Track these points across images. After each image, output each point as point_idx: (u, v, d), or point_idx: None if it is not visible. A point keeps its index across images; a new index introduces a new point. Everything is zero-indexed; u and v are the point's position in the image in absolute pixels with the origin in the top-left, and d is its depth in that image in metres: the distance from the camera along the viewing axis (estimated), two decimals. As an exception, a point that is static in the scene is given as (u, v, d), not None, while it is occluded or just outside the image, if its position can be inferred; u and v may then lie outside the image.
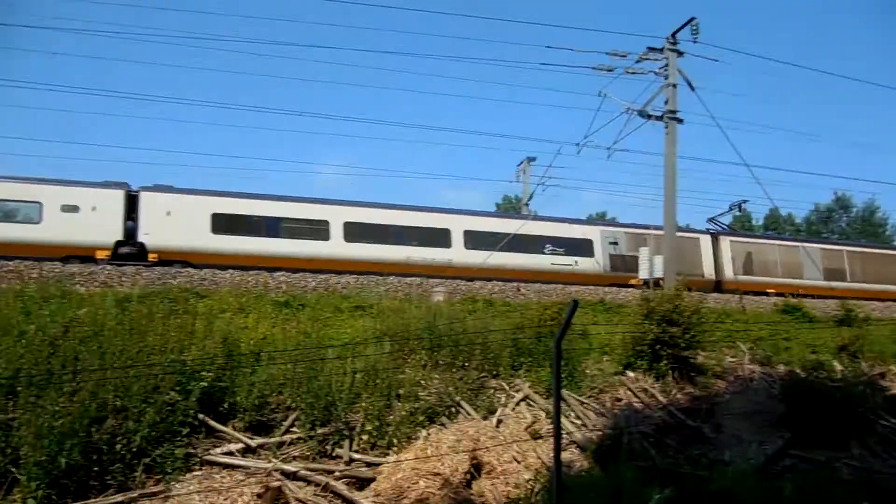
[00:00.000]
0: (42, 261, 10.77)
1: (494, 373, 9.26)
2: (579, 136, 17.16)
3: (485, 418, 8.20)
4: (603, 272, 17.82)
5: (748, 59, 61.27)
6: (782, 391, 9.83)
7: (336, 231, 15.35)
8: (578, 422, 8.80)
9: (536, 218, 18.91)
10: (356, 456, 7.07)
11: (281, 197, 15.56)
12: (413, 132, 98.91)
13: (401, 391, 8.02)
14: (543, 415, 8.57)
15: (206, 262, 12.93)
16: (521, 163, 26.06)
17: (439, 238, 16.69)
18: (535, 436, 8.11)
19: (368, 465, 6.99)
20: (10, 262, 10.30)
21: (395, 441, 7.30)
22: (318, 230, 15.20)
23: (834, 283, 18.60)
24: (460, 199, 75.52)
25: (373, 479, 6.75)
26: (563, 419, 7.95)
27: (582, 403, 9.17)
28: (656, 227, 16.40)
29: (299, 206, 15.55)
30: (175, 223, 13.72)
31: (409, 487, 6.49)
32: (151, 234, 13.62)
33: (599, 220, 33.09)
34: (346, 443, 7.15)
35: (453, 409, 8.16)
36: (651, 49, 15.27)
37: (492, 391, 8.88)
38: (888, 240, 44.32)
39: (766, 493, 6.66)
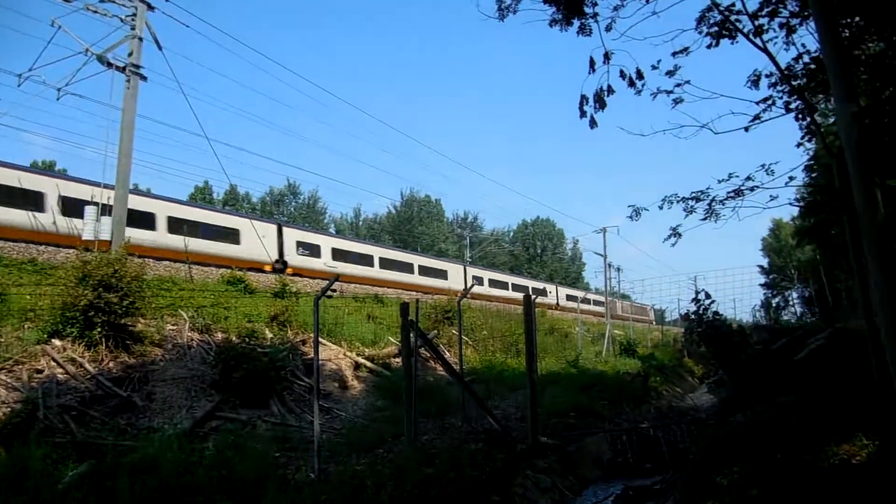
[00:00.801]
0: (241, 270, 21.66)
1: None
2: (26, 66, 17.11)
3: None
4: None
5: (242, 48, 73.14)
6: (216, 357, 13.41)
7: None
8: (-19, 398, 9.26)
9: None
10: None
11: None
12: None
13: None
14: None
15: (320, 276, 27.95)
16: None
17: None
18: None
19: None
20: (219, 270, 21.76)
21: None
22: None
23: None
24: None
25: None
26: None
27: (-12, 377, 9.63)
28: (106, 185, 18.10)
29: None
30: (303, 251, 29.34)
31: None
32: (290, 256, 28.48)
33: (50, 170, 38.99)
34: None
35: None
36: (119, -9, 17.03)
37: None
38: (326, 226, 62.77)
39: (188, 456, 8.97)
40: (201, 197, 55.30)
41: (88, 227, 16.91)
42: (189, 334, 14.28)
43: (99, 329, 12.06)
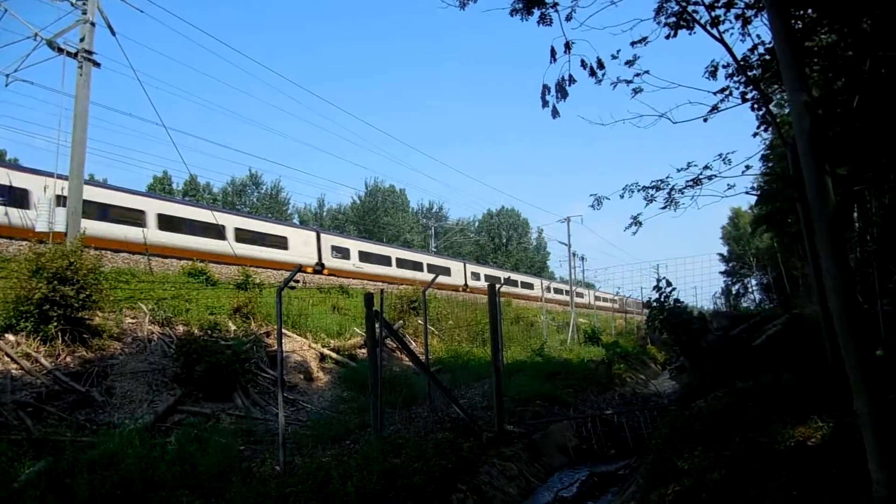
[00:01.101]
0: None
1: None
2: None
3: None
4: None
5: (203, 36, 71.96)
6: (177, 350, 13.19)
7: None
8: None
9: None
10: None
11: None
12: None
13: None
14: None
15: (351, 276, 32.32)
16: None
17: None
18: None
19: None
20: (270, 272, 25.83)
21: None
22: None
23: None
24: None
25: None
26: None
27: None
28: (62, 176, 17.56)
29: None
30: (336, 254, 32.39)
31: None
32: (326, 259, 31.35)
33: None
34: None
35: None
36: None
37: None
38: (290, 217, 62.20)
39: (150, 451, 8.79)
40: (160, 188, 54.16)
41: (42, 218, 16.44)
42: (149, 327, 14.02)
43: (55, 323, 11.77)
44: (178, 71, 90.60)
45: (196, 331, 14.63)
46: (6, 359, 10.69)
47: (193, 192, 54.72)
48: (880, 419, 3.92)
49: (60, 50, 16.27)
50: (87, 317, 12.60)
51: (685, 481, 6.05)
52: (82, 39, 16.51)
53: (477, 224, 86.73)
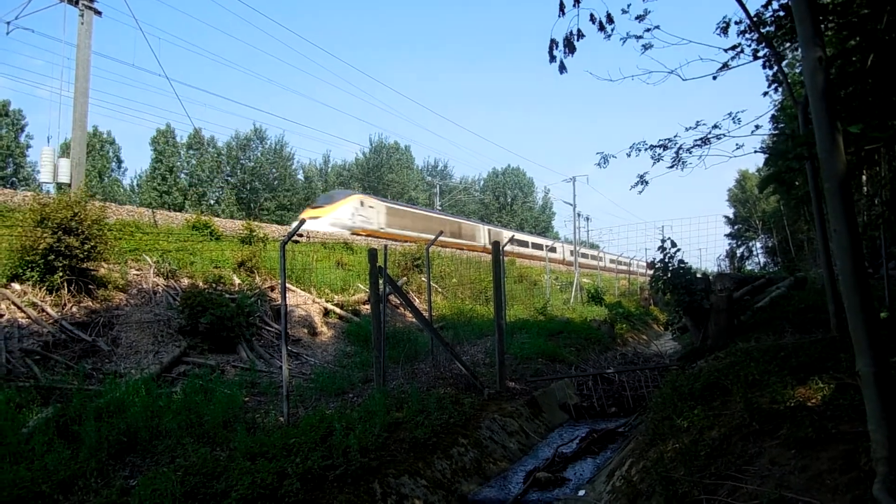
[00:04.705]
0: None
1: None
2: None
3: None
4: None
5: None
6: (182, 302, 13.29)
7: None
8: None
9: None
10: None
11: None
12: None
13: None
14: None
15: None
16: None
17: None
18: None
19: None
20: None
21: None
22: None
23: None
24: None
25: None
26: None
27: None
28: None
29: None
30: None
31: None
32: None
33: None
34: None
35: None
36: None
37: None
38: (294, 173, 62.03)
39: (156, 401, 9.02)
40: (163, 141, 53.80)
41: (46, 169, 16.43)
42: (154, 279, 14.09)
43: (60, 273, 11.83)
44: (181, 22, 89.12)
45: (201, 283, 14.71)
46: (13, 307, 10.79)
47: (197, 146, 54.39)
48: (882, 380, 3.92)
49: (60, -2, 16.05)
50: (92, 267, 12.65)
51: (684, 439, 6.11)
52: (77, -12, 16.24)
53: (482, 183, 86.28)
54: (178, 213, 20.86)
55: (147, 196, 51.61)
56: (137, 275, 14.02)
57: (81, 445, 6.96)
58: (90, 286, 12.42)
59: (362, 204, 34.04)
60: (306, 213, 31.15)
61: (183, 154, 55.93)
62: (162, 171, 53.29)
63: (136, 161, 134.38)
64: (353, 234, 30.85)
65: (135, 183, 58.41)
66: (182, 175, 55.11)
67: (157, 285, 14.00)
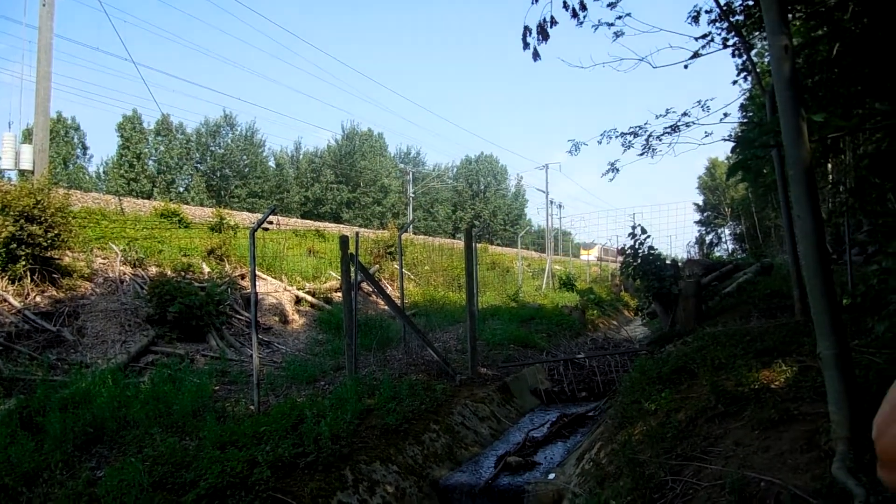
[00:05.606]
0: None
1: None
2: None
3: None
4: None
5: None
6: (150, 291, 13.08)
7: None
8: None
9: None
10: None
11: None
12: None
13: None
14: None
15: None
16: None
17: None
18: None
19: None
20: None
21: None
22: None
23: None
24: None
25: None
26: None
27: None
28: None
29: None
30: None
31: None
32: None
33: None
34: None
35: None
36: None
37: None
38: (265, 160, 61.35)
39: (123, 391, 8.90)
40: (130, 127, 52.63)
41: (7, 155, 15.97)
42: (121, 268, 13.84)
43: (23, 262, 11.57)
44: (147, 4, 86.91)
45: (169, 272, 14.50)
46: (-27, 297, 10.52)
47: (165, 132, 53.39)
48: (842, 362, 4.02)
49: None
50: (56, 256, 12.39)
51: (651, 422, 6.20)
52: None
53: (455, 170, 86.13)
54: (146, 201, 20.52)
55: (114, 183, 50.49)
56: (104, 263, 13.76)
57: (46, 437, 6.83)
58: (54, 275, 12.16)
59: None
60: None
61: (151, 140, 54.74)
62: (129, 158, 52.15)
63: (103, 148, 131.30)
64: None
65: (101, 170, 57.07)
66: (150, 162, 54.00)
67: (124, 274, 13.76)
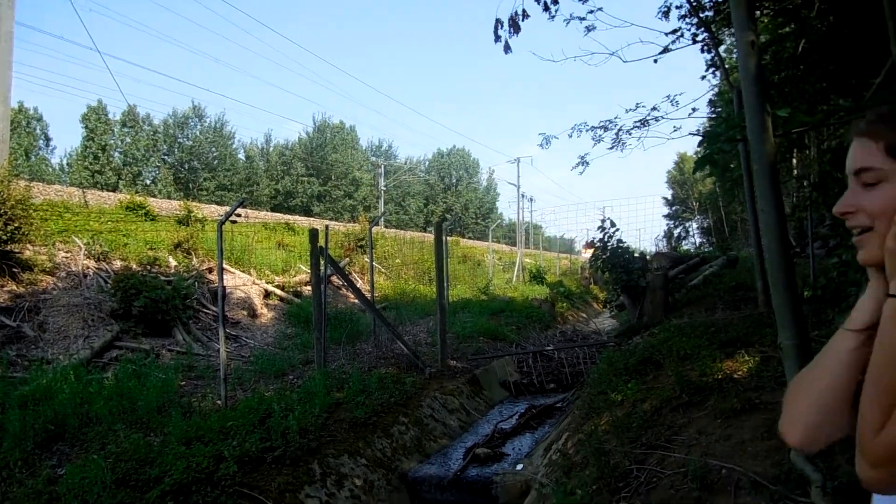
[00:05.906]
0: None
1: None
2: None
3: None
4: None
5: None
6: (115, 285, 12.82)
7: None
8: None
9: None
10: None
11: None
12: None
13: None
14: None
15: None
16: None
17: None
18: None
19: None
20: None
21: None
22: None
23: None
24: None
25: None
26: None
27: None
28: None
29: None
30: None
31: None
32: None
33: None
34: None
35: None
36: None
37: None
38: (234, 152, 60.57)
39: (86, 387, 8.65)
40: (95, 118, 51.44)
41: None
42: (85, 262, 13.52)
43: (-18, 256, 11.25)
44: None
45: (135, 266, 14.22)
46: (-72, 292, 10.19)
47: (132, 124, 52.31)
48: (802, 352, 4.10)
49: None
50: (16, 250, 12.06)
51: (618, 412, 6.27)
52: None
53: (427, 163, 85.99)
54: (111, 194, 20.12)
55: (78, 175, 49.36)
56: (66, 257, 13.44)
57: (5, 435, 6.65)
58: (14, 269, 11.84)
59: None
60: None
61: (116, 132, 53.59)
62: (94, 150, 51.01)
63: (66, 139, 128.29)
64: None
65: (65, 162, 55.74)
66: (116, 154, 52.88)
67: (88, 268, 13.45)
